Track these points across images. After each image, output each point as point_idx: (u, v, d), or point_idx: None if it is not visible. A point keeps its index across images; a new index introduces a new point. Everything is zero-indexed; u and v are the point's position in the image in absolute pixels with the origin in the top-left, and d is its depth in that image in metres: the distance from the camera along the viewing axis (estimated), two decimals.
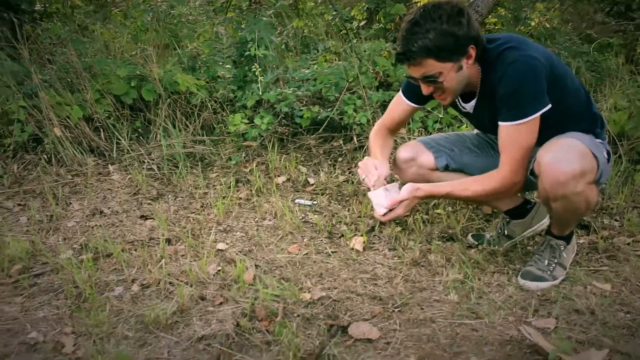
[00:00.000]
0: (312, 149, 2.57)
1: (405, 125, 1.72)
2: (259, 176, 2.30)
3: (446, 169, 1.66)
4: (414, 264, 1.67)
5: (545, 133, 1.36)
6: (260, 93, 2.59)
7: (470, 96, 1.48)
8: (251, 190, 2.22)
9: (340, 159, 2.50)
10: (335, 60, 2.83)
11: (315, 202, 2.12)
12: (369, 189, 1.48)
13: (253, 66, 2.61)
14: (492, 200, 1.68)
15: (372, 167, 1.51)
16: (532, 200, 1.76)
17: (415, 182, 1.56)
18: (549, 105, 1.33)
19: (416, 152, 1.67)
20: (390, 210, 1.42)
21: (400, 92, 1.63)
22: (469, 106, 1.50)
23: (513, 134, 1.36)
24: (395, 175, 1.78)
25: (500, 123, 1.38)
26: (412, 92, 1.59)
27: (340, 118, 2.58)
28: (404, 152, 1.67)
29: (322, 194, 2.22)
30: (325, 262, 1.68)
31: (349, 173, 2.39)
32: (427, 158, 1.66)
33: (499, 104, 1.36)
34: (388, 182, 1.52)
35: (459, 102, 1.53)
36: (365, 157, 1.53)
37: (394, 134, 1.70)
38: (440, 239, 1.83)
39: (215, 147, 2.52)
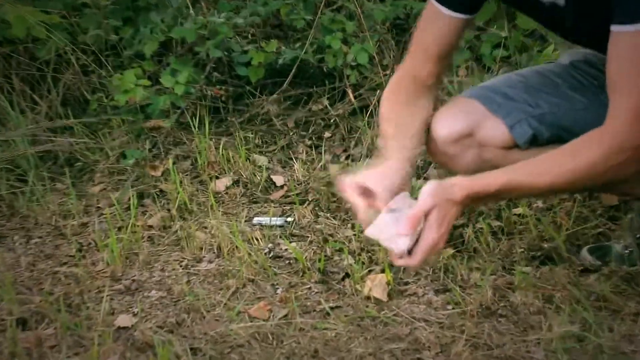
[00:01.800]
0: (275, 122, 2.58)
1: (449, 60, 1.69)
2: (180, 182, 2.30)
3: (534, 142, 1.65)
4: (485, 314, 1.69)
5: None
6: (167, 29, 2.59)
7: None
8: (169, 211, 2.23)
9: (327, 135, 2.50)
10: None
11: (290, 219, 2.16)
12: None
13: None
14: (610, 185, 1.62)
15: (353, 192, 1.51)
16: None
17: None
18: None
19: (473, 118, 1.67)
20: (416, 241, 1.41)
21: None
22: None
23: (637, 47, 1.35)
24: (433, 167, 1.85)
25: (613, 28, 1.37)
26: None
27: (319, 59, 2.59)
28: (449, 123, 1.67)
29: (302, 203, 2.24)
30: (320, 329, 1.69)
31: (348, 158, 2.35)
32: (495, 127, 1.66)
33: None
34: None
35: None
36: (339, 175, 1.55)
37: (433, 85, 1.69)
38: (528, 261, 1.86)
39: (93, 136, 2.52)
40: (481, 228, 1.95)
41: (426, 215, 1.39)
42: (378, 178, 1.52)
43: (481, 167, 1.62)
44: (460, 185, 1.42)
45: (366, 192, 1.50)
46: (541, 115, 1.66)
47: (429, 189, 1.41)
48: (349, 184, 1.52)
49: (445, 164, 1.73)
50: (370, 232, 1.45)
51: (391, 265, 1.87)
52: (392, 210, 1.44)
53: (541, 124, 1.65)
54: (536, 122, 1.65)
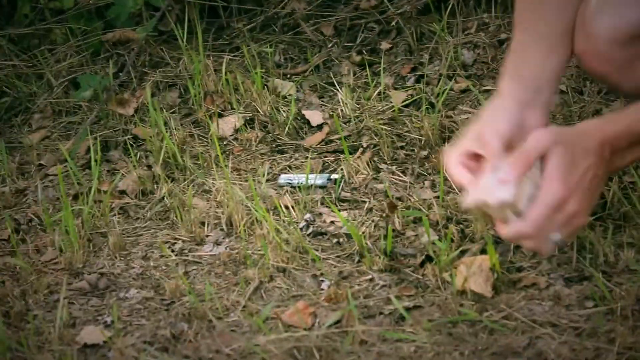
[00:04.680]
0: (304, 27, 2.64)
1: None
2: (165, 124, 2.36)
3: None
4: None
5: None
6: None
7: None
8: (150, 168, 2.28)
9: (385, 45, 2.56)
10: None
11: (336, 176, 2.19)
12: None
13: None
14: None
15: (461, 171, 1.55)
16: None
17: None
18: None
19: None
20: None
21: None
22: None
23: None
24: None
25: None
26: None
27: None
28: (618, 10, 1.61)
29: (354, 151, 2.26)
30: (392, 341, 1.71)
31: (420, 81, 2.40)
32: None
33: None
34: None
35: None
36: (447, 151, 1.59)
37: None
38: None
39: (27, 57, 2.59)
40: (632, 183, 1.96)
41: (542, 158, 1.41)
42: (487, 133, 1.53)
43: None
44: (595, 129, 1.45)
45: (476, 164, 1.53)
46: None
47: (544, 130, 1.45)
48: (453, 160, 1.54)
49: (607, 77, 1.68)
50: (471, 199, 1.47)
51: (497, 242, 1.86)
52: (494, 168, 1.47)
53: None
54: None
